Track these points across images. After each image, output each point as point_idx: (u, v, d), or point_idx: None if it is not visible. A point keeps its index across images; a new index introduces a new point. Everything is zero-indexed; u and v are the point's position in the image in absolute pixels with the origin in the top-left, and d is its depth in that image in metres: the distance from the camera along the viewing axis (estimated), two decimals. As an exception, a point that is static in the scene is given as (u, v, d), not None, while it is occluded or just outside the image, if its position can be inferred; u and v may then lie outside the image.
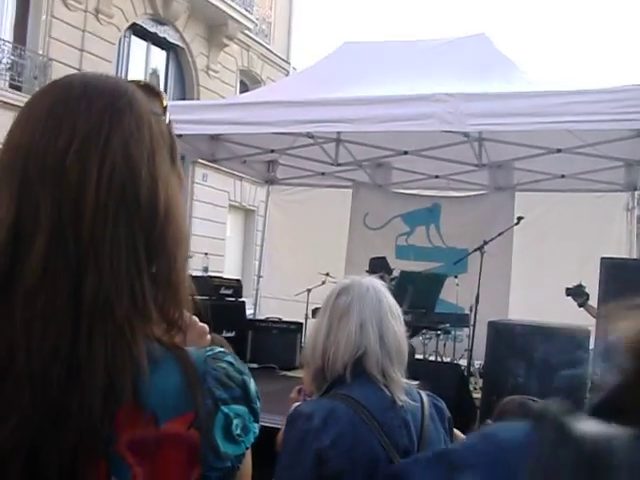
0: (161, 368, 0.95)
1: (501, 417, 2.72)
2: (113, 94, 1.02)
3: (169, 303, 1.01)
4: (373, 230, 10.56)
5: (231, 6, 19.98)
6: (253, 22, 21.53)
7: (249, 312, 10.28)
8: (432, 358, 8.51)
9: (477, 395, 6.93)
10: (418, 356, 8.17)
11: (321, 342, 2.17)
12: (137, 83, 1.10)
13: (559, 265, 8.47)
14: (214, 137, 9.22)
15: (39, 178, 0.94)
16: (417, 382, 2.23)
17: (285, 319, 9.62)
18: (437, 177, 9.96)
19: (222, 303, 8.95)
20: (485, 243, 7.82)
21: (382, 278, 7.71)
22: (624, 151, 7.87)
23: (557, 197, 9.29)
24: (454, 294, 8.80)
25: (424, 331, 8.29)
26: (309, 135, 8.65)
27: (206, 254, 18.79)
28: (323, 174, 10.44)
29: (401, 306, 7.35)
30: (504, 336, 5.89)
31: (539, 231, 9.00)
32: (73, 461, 0.88)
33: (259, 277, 11.35)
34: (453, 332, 8.79)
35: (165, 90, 19.47)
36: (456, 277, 8.68)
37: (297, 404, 2.37)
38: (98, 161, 0.95)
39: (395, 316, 2.20)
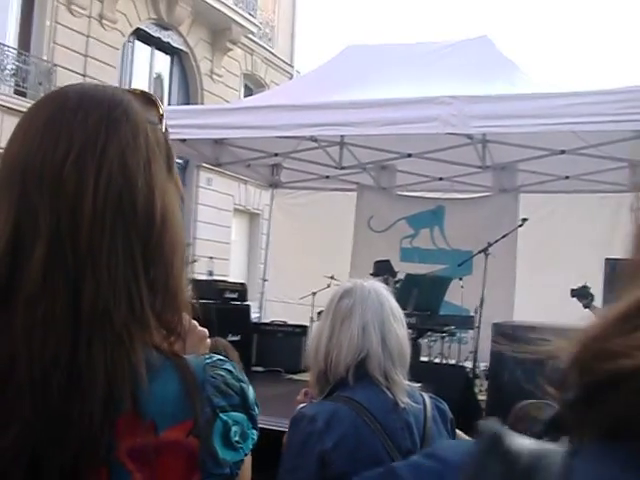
0: (160, 376, 0.97)
1: (517, 422, 2.71)
2: (109, 104, 1.03)
3: (167, 310, 1.02)
4: (378, 233, 10.55)
5: (234, 10, 20.01)
6: (257, 26, 21.56)
7: (254, 316, 10.28)
8: (437, 360, 8.49)
9: (482, 397, 6.93)
10: (423, 358, 8.17)
11: (324, 345, 2.18)
12: (133, 92, 1.11)
13: (564, 266, 8.45)
14: (218, 141, 9.22)
15: (37, 189, 0.96)
16: (419, 384, 2.24)
17: (290, 322, 9.63)
18: (441, 179, 9.96)
19: (227, 307, 8.95)
20: (489, 245, 7.82)
21: (386, 281, 7.68)
22: (628, 151, 7.85)
23: (561, 198, 9.27)
24: (459, 296, 8.78)
25: (429, 333, 8.28)
26: (313, 139, 8.66)
27: (211, 258, 18.83)
28: (327, 177, 10.44)
29: (406, 308, 7.34)
30: (509, 338, 5.88)
31: (544, 232, 8.98)
32: (74, 468, 0.90)
33: (264, 280, 11.35)
34: (458, 334, 8.77)
35: (169, 95, 19.52)
36: (461, 279, 8.67)
37: (301, 406, 2.38)
38: (95, 171, 0.97)
39: (397, 319, 2.21)
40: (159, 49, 19.20)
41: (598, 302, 5.96)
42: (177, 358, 1.00)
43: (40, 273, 0.93)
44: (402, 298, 7.75)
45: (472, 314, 8.24)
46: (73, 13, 16.04)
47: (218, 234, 20.07)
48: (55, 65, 15.41)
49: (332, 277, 8.92)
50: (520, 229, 8.09)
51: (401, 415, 2.11)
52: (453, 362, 8.54)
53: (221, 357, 1.06)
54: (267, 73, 23.24)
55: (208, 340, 1.20)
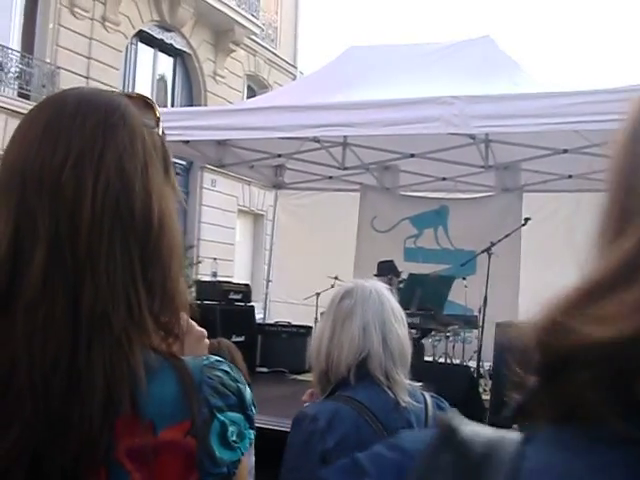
0: (158, 377, 0.98)
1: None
2: (106, 109, 1.04)
3: (165, 312, 1.04)
4: (381, 233, 10.56)
5: (237, 12, 20.04)
6: (259, 27, 21.58)
7: (259, 316, 10.30)
8: (442, 360, 8.50)
9: (487, 397, 6.94)
10: (428, 358, 8.18)
11: (325, 345, 2.20)
12: (130, 95, 1.13)
13: (568, 265, 8.42)
14: (221, 143, 9.24)
15: (36, 195, 0.97)
16: (420, 384, 2.25)
17: (294, 323, 9.65)
18: (444, 179, 9.97)
19: (231, 308, 8.97)
20: (492, 245, 7.83)
21: (390, 281, 7.68)
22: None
23: (565, 197, 9.26)
24: (463, 296, 8.79)
25: (433, 333, 8.29)
26: (316, 139, 8.67)
27: (215, 259, 18.85)
28: (330, 178, 10.46)
29: (409, 308, 7.32)
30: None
31: (547, 232, 8.98)
32: (74, 469, 0.91)
33: (268, 281, 11.37)
34: (462, 334, 8.78)
35: (172, 96, 19.55)
36: (464, 279, 8.68)
37: (305, 406, 2.39)
38: (93, 177, 0.98)
39: (398, 319, 2.22)
40: (162, 51, 19.24)
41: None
42: (175, 359, 1.02)
43: (40, 279, 0.94)
44: (405, 298, 7.77)
45: (476, 314, 8.25)
46: (76, 15, 16.07)
47: (222, 235, 20.10)
48: (58, 67, 15.45)
49: (336, 277, 8.93)
50: (524, 228, 8.10)
51: (402, 414, 2.12)
52: (457, 362, 8.55)
53: (218, 358, 1.07)
54: (270, 74, 23.26)
55: (206, 340, 1.21)
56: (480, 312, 7.85)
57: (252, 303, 9.75)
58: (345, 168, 9.71)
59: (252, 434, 1.04)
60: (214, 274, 18.07)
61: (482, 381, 7.88)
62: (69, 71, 15.59)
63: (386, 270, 8.24)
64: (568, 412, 0.53)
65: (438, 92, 6.32)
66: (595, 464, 0.51)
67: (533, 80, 7.52)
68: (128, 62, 18.04)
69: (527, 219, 7.90)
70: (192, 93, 20.12)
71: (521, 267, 9.34)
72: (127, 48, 17.89)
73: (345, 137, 8.83)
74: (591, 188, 9.02)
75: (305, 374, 8.12)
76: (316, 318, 9.20)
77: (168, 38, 19.02)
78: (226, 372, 1.04)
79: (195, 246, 18.53)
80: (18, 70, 14.98)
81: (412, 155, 9.10)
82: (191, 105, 18.80)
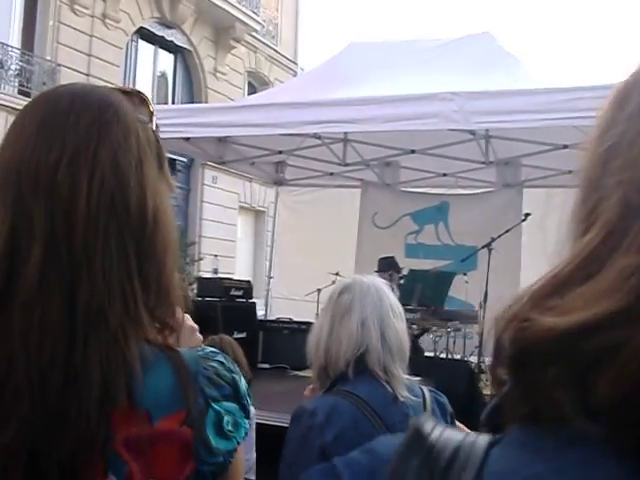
0: (154, 369, 0.99)
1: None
2: (100, 106, 1.05)
3: (161, 306, 1.05)
4: (382, 229, 10.56)
5: (238, 8, 20.03)
6: (260, 24, 21.57)
7: (260, 313, 10.31)
8: (443, 356, 8.51)
9: (488, 392, 6.95)
10: (429, 354, 8.19)
11: (324, 340, 2.21)
12: (123, 91, 1.14)
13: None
14: (222, 139, 9.24)
15: (32, 193, 0.98)
16: (419, 378, 2.27)
17: (296, 319, 9.65)
18: (445, 175, 9.96)
19: (233, 304, 8.97)
20: (492, 240, 7.84)
21: (391, 277, 7.68)
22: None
23: (565, 193, 9.24)
24: (464, 291, 8.80)
25: (434, 329, 8.30)
26: (316, 136, 8.67)
27: (216, 256, 18.86)
28: (331, 174, 10.46)
29: (410, 304, 7.32)
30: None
31: (547, 227, 8.97)
32: (72, 462, 0.93)
33: (269, 278, 11.38)
34: (463, 329, 8.79)
35: (173, 93, 19.54)
36: (465, 274, 8.68)
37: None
38: (88, 174, 0.99)
39: (396, 314, 2.24)
40: (163, 48, 19.23)
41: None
42: (170, 351, 1.03)
43: (36, 276, 0.95)
44: (406, 294, 7.78)
45: (477, 309, 8.25)
46: (76, 13, 16.07)
47: (224, 232, 20.10)
48: (59, 65, 15.46)
49: (337, 274, 8.93)
50: (525, 224, 8.10)
51: (400, 409, 2.13)
52: (458, 357, 8.56)
53: (213, 349, 1.09)
54: (271, 71, 23.24)
55: (199, 334, 1.23)
56: (481, 307, 7.86)
57: (253, 299, 9.75)
58: (346, 164, 9.71)
59: (247, 424, 1.06)
60: (215, 271, 18.08)
61: (483, 376, 7.88)
62: (70, 68, 15.60)
63: (387, 266, 8.24)
64: (535, 411, 0.52)
65: (438, 88, 6.33)
66: (560, 466, 0.50)
67: (533, 76, 7.52)
68: (129, 59, 18.03)
69: (527, 214, 7.91)
70: (193, 90, 20.11)
71: (522, 262, 9.34)
72: (128, 45, 17.88)
73: (346, 133, 8.83)
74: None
75: (307, 370, 8.04)
76: (317, 314, 9.18)
77: (169, 35, 19.01)
78: (221, 363, 1.06)
79: (196, 243, 18.55)
80: (18, 67, 14.98)
81: (413, 151, 9.10)
82: (192, 102, 18.80)
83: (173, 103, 18.79)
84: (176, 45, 19.37)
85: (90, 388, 0.94)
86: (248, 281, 10.19)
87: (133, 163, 1.04)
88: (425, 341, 8.23)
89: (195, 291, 9.59)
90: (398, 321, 2.22)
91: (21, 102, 13.44)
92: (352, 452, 0.66)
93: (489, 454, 0.55)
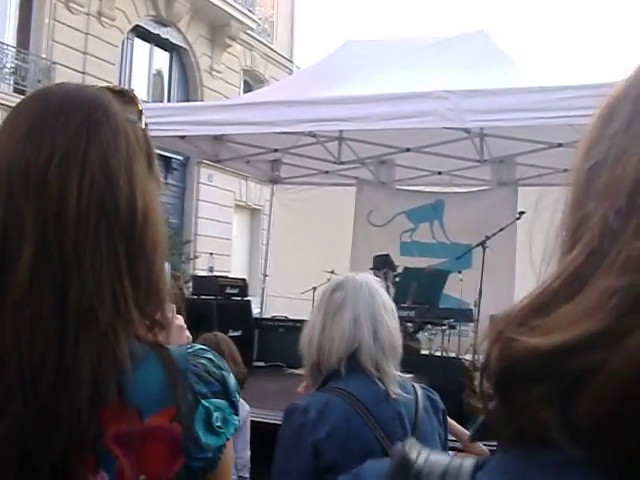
0: (144, 366, 1.01)
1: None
2: (89, 106, 1.06)
3: (150, 304, 1.06)
4: (377, 227, 10.57)
5: (233, 6, 20.00)
6: (255, 22, 21.54)
7: (256, 311, 10.31)
8: (438, 353, 8.52)
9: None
10: (424, 352, 8.20)
11: (316, 338, 2.22)
12: (112, 89, 1.15)
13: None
14: (217, 138, 9.24)
15: (23, 193, 0.99)
16: (411, 375, 2.28)
17: (291, 317, 9.64)
18: (440, 173, 9.99)
19: (228, 302, 8.99)
20: (487, 238, 7.86)
21: (386, 275, 7.67)
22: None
23: (559, 191, 9.25)
24: (458, 289, 8.81)
25: (429, 326, 8.31)
26: (312, 134, 8.67)
27: (212, 254, 18.84)
28: (327, 172, 10.47)
29: (405, 302, 7.30)
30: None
31: (543, 225, 8.97)
32: (63, 459, 0.94)
33: (265, 276, 11.39)
34: (458, 327, 8.80)
35: (169, 91, 19.52)
36: (460, 272, 8.69)
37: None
38: (78, 175, 1.00)
39: (388, 311, 2.25)
40: (158, 46, 19.20)
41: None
42: (160, 348, 1.04)
43: (27, 276, 0.96)
44: (401, 292, 7.80)
45: (472, 307, 8.27)
46: (71, 10, 16.04)
47: (219, 230, 20.09)
48: (54, 63, 15.43)
49: (332, 272, 8.93)
50: (519, 222, 8.11)
51: (392, 405, 2.14)
52: (453, 355, 8.57)
53: (202, 347, 1.10)
54: (267, 69, 23.23)
55: (187, 332, 1.24)
56: (475, 305, 7.88)
57: (249, 298, 9.76)
58: (341, 163, 9.71)
59: (236, 420, 1.07)
60: (211, 269, 18.07)
61: (478, 374, 7.89)
62: (65, 66, 15.57)
63: (382, 264, 8.26)
64: (519, 432, 0.51)
65: (433, 86, 6.34)
66: None
67: (527, 74, 7.54)
68: (124, 57, 18.00)
69: (521, 213, 7.92)
70: (188, 88, 20.09)
71: (517, 260, 9.34)
72: (123, 43, 17.85)
73: (341, 132, 8.83)
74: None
75: (302, 368, 8.00)
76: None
77: (164, 33, 18.98)
78: (210, 360, 1.07)
79: (192, 241, 18.54)
80: (14, 66, 14.96)
81: (408, 149, 9.11)
82: (187, 100, 18.78)
83: (169, 101, 18.77)
84: (172, 43, 19.34)
85: (81, 386, 0.95)
86: (243, 279, 10.20)
87: (122, 163, 1.05)
88: (420, 339, 8.25)
89: (190, 289, 9.60)
90: (390, 318, 2.24)
91: (16, 100, 13.21)
92: (339, 477, 0.65)
93: (475, 478, 0.54)
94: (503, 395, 0.53)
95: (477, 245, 7.99)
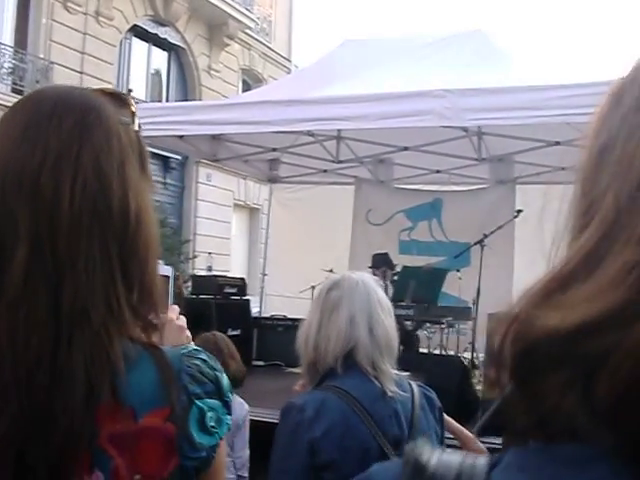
0: (138, 366, 1.02)
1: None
2: (82, 109, 1.07)
3: (144, 304, 1.07)
4: (376, 226, 10.57)
5: (231, 5, 19.97)
6: (254, 21, 21.52)
7: (254, 310, 10.31)
8: (437, 352, 8.53)
9: (480, 388, 6.97)
10: (422, 350, 8.21)
11: (313, 336, 2.23)
12: (105, 91, 1.15)
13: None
14: (215, 137, 9.24)
15: (16, 195, 1.00)
16: (408, 373, 2.29)
17: (290, 316, 9.65)
18: (438, 172, 9.99)
19: (227, 302, 8.98)
20: (485, 237, 7.87)
21: (385, 273, 7.68)
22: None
23: (558, 189, 9.25)
24: (457, 288, 8.82)
25: (428, 325, 8.33)
26: (310, 133, 8.67)
27: (210, 253, 18.83)
28: (325, 171, 10.48)
29: (403, 300, 7.30)
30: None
31: (540, 223, 8.98)
32: (59, 459, 0.94)
33: (264, 275, 11.39)
34: (457, 325, 8.81)
35: (167, 91, 19.51)
36: (458, 271, 8.71)
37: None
38: (71, 178, 1.01)
39: (385, 310, 2.25)
40: (156, 45, 19.18)
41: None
42: (153, 349, 1.05)
43: (21, 278, 0.97)
44: (399, 290, 7.81)
45: (470, 305, 8.28)
46: (69, 10, 16.03)
47: (218, 229, 20.08)
48: (52, 63, 15.41)
49: (331, 270, 8.92)
50: (518, 220, 8.12)
51: (389, 403, 2.15)
52: (452, 353, 8.58)
53: (196, 347, 1.11)
54: (265, 68, 23.21)
55: (188, 332, 1.25)
56: (474, 303, 7.89)
57: (248, 297, 9.75)
58: (339, 161, 9.71)
59: (230, 420, 1.08)
60: (209, 268, 18.06)
61: (477, 372, 7.91)
62: (63, 66, 15.56)
63: (380, 263, 8.27)
64: (540, 423, 0.49)
65: (431, 85, 6.35)
66: None
67: (525, 73, 7.53)
68: (122, 57, 17.98)
69: (519, 211, 7.94)
70: (187, 87, 20.07)
71: (515, 258, 9.35)
72: (121, 43, 17.83)
73: (339, 131, 8.83)
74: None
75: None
76: (311, 311, 9.18)
77: (162, 33, 18.97)
78: (204, 360, 1.08)
79: (191, 241, 18.53)
80: (11, 66, 14.95)
81: (406, 148, 9.12)
82: (186, 99, 18.75)
83: (167, 101, 18.76)
84: (170, 43, 19.33)
85: (75, 386, 0.96)
86: (242, 278, 10.20)
87: (115, 165, 1.05)
88: (418, 337, 8.26)
89: (189, 289, 9.60)
90: (386, 317, 2.24)
91: (14, 100, 13.40)
92: None
93: (490, 477, 0.53)
94: (521, 381, 0.50)
95: (475, 243, 8.00)
